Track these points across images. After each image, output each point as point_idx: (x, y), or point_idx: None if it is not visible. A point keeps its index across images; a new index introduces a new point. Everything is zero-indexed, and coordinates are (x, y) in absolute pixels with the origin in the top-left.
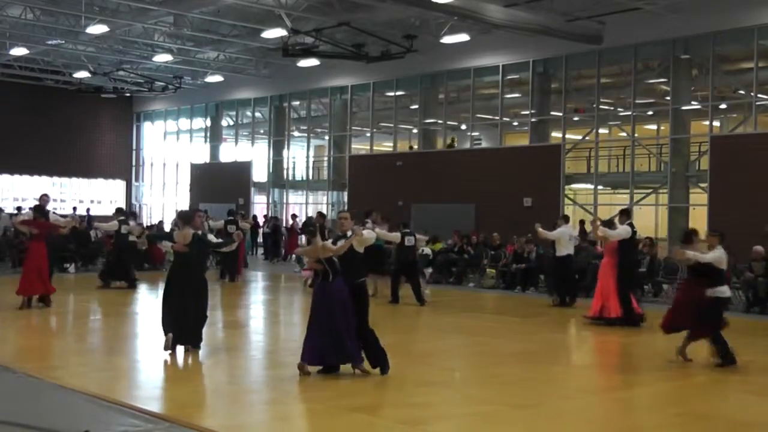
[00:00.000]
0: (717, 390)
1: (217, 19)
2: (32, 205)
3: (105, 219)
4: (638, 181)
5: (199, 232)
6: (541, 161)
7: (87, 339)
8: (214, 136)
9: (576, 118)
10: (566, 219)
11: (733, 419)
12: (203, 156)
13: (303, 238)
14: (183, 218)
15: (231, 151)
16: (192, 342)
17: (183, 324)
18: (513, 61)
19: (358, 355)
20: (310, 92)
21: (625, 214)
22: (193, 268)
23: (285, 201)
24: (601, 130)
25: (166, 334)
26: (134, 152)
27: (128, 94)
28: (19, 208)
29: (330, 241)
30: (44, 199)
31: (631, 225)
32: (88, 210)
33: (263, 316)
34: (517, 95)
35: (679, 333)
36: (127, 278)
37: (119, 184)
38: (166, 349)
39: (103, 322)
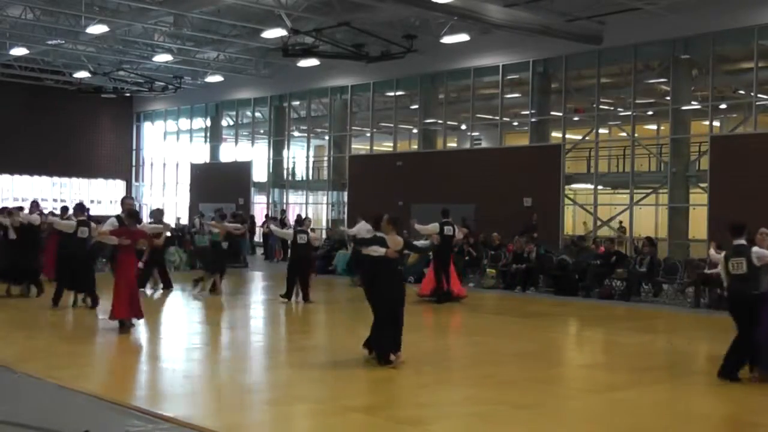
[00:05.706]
0: (717, 390)
1: (217, 19)
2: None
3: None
4: (638, 181)
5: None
6: (541, 161)
7: (87, 339)
8: (214, 136)
9: (576, 118)
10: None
11: (734, 419)
12: (203, 156)
13: None
14: (393, 223)
15: (231, 151)
16: (397, 348)
17: (396, 335)
18: (513, 61)
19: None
20: (310, 92)
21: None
22: (398, 274)
23: (285, 201)
24: (601, 130)
25: (384, 359)
26: (134, 152)
27: (128, 94)
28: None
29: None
30: (129, 202)
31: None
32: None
33: (262, 316)
34: (517, 95)
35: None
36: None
37: (119, 184)
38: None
39: (103, 323)
